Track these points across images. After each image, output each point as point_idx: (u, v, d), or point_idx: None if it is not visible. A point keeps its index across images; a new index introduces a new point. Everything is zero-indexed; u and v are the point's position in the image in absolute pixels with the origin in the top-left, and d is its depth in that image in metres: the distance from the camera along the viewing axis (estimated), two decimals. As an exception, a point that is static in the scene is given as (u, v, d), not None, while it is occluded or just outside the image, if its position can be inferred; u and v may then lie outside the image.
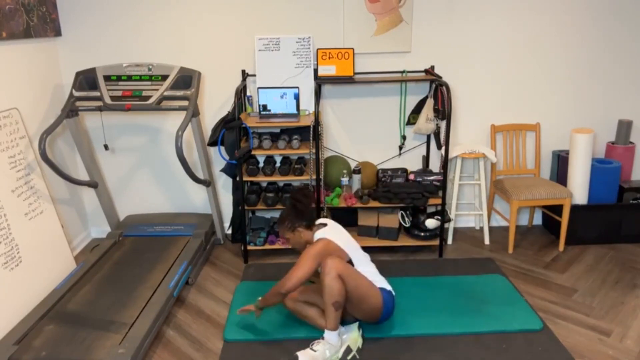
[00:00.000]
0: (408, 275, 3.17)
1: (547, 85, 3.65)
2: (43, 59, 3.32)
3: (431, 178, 3.46)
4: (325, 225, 2.62)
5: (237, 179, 3.40)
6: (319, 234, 2.54)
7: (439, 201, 3.36)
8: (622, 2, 3.48)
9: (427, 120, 3.44)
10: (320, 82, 3.28)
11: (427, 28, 3.49)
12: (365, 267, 2.55)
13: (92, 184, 3.44)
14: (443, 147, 3.40)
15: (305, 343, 2.53)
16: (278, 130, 3.59)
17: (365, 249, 3.58)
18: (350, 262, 2.51)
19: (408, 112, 3.65)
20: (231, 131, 3.26)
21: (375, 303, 2.45)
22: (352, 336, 2.49)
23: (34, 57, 3.22)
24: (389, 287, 2.56)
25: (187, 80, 3.15)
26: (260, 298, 2.57)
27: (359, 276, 2.42)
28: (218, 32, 3.47)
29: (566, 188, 3.46)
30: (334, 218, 3.71)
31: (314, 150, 3.20)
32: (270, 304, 2.53)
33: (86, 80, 3.20)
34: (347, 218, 3.69)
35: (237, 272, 3.34)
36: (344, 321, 2.60)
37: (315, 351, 2.37)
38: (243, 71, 3.52)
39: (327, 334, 2.39)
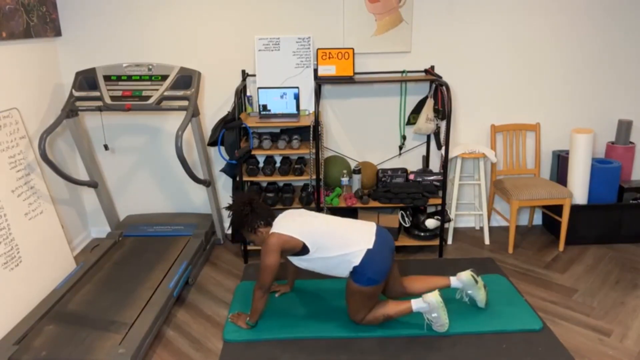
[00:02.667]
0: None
1: (547, 85, 3.65)
2: (43, 59, 3.32)
3: (431, 178, 3.46)
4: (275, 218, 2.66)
5: (237, 179, 3.40)
6: (272, 229, 2.57)
7: (439, 201, 3.36)
8: (622, 3, 3.48)
9: (427, 120, 3.44)
10: (320, 82, 3.28)
11: (427, 28, 3.49)
12: (334, 234, 2.53)
13: (92, 184, 3.44)
14: (443, 147, 3.40)
15: (306, 343, 2.54)
16: (278, 130, 3.59)
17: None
18: (305, 246, 2.51)
19: (408, 112, 3.65)
20: (231, 131, 3.26)
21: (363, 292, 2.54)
22: (432, 297, 2.59)
23: (34, 57, 3.22)
24: (369, 244, 2.51)
25: (187, 80, 3.15)
26: (248, 317, 2.64)
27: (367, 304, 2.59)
28: (218, 32, 3.47)
29: (566, 188, 3.46)
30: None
31: (314, 150, 3.20)
32: (260, 310, 2.62)
33: (86, 80, 3.20)
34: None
35: (237, 272, 3.34)
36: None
37: (432, 322, 2.61)
38: (243, 71, 3.52)
39: (414, 308, 2.61)
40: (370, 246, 2.50)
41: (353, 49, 3.40)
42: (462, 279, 2.74)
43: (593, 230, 3.56)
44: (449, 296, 2.90)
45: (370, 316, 2.62)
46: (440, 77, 3.29)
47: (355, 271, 2.50)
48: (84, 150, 3.35)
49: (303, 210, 2.69)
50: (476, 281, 2.73)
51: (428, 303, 2.56)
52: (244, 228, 2.60)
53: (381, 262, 2.49)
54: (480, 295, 2.75)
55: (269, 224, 2.61)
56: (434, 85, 3.45)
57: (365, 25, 3.44)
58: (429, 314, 2.60)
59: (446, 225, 3.77)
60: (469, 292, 2.75)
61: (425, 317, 2.65)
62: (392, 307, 2.62)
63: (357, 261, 2.48)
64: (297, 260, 2.61)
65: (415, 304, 2.60)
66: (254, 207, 2.58)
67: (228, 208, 2.64)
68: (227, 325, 2.69)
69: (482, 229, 3.93)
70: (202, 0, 3.41)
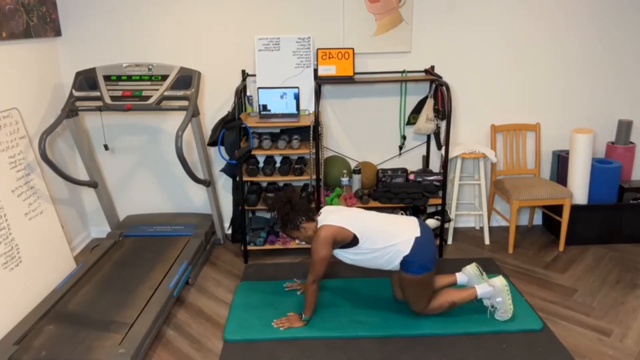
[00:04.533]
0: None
1: (547, 86, 3.65)
2: (43, 59, 3.32)
3: (431, 178, 3.46)
4: (320, 213, 2.67)
5: (237, 179, 3.40)
6: (319, 222, 2.60)
7: (439, 201, 3.36)
8: (621, 3, 3.48)
9: (427, 120, 3.44)
10: (320, 82, 3.28)
11: (427, 28, 3.49)
12: (379, 227, 2.56)
13: (92, 184, 3.44)
14: (443, 147, 3.40)
15: (306, 343, 2.54)
16: (278, 130, 3.59)
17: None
18: (355, 237, 2.53)
19: (408, 112, 3.65)
20: (231, 131, 3.26)
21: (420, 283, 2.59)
22: (496, 280, 2.66)
23: (34, 57, 3.22)
24: (416, 232, 2.55)
25: (187, 80, 3.14)
26: (302, 313, 2.66)
27: (425, 291, 2.62)
28: (218, 32, 3.47)
29: (566, 188, 3.46)
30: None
31: (314, 150, 3.20)
32: (313, 304, 2.65)
33: (86, 80, 3.20)
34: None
35: (237, 272, 3.34)
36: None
37: (497, 308, 2.65)
38: (243, 71, 3.52)
39: (479, 293, 2.66)
40: (418, 234, 2.55)
41: (353, 49, 3.40)
42: (467, 272, 2.77)
43: (593, 230, 3.56)
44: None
45: (435, 304, 2.65)
46: (440, 77, 3.29)
47: (405, 261, 2.52)
48: (84, 150, 3.35)
49: (341, 207, 2.71)
50: (481, 273, 2.77)
51: (493, 286, 2.62)
52: (287, 227, 2.62)
53: (430, 249, 2.54)
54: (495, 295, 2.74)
55: (311, 218, 2.63)
56: (434, 85, 3.45)
57: (365, 25, 3.44)
58: (493, 299, 2.64)
59: (446, 225, 3.77)
60: (498, 299, 2.66)
61: (488, 304, 2.69)
62: (457, 294, 2.65)
63: (406, 250, 2.51)
64: (343, 254, 2.61)
65: (480, 289, 2.65)
66: (294, 204, 2.60)
67: (268, 210, 2.65)
68: (227, 325, 2.69)
69: (482, 229, 3.93)
70: (203, 0, 3.41)
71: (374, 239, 2.53)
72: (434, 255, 2.56)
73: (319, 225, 2.58)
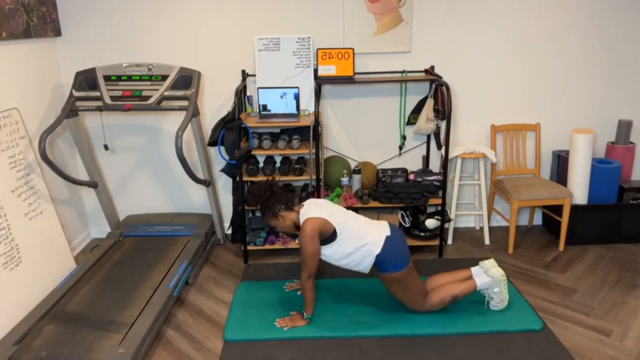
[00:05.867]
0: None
1: (547, 85, 3.65)
2: (43, 59, 3.32)
3: (431, 178, 3.46)
4: (303, 205, 2.68)
5: (237, 179, 3.40)
6: (302, 215, 2.60)
7: (439, 201, 3.36)
8: (621, 3, 3.48)
9: (427, 120, 3.44)
10: (320, 82, 3.28)
11: (427, 28, 3.49)
12: (354, 225, 2.59)
13: (92, 184, 3.44)
14: (443, 147, 3.40)
15: (306, 343, 2.53)
16: (278, 130, 3.59)
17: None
18: (334, 232, 2.55)
19: (408, 112, 3.65)
20: (231, 131, 3.26)
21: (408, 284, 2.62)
22: (494, 270, 2.70)
23: (34, 57, 3.22)
24: (386, 232, 2.59)
25: (187, 80, 3.14)
26: (304, 311, 2.67)
27: (412, 284, 2.64)
28: (218, 32, 3.47)
29: (566, 188, 3.46)
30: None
31: (314, 150, 3.20)
32: (313, 300, 2.65)
33: (86, 80, 3.20)
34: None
35: (237, 272, 3.34)
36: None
37: (493, 297, 2.71)
38: (243, 71, 3.52)
39: (479, 284, 2.69)
40: (389, 233, 2.58)
41: (353, 49, 3.40)
42: (484, 264, 2.78)
43: (593, 230, 3.56)
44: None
45: (436, 300, 2.66)
46: (440, 77, 3.29)
47: (379, 261, 2.55)
48: (84, 150, 3.35)
49: (323, 200, 2.73)
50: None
51: (492, 277, 2.66)
52: (265, 213, 2.63)
53: (401, 247, 2.57)
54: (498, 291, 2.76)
55: (290, 208, 2.64)
56: (434, 85, 3.45)
57: (365, 25, 3.44)
58: (491, 289, 2.69)
59: (446, 225, 3.77)
60: (495, 290, 2.72)
61: (485, 294, 2.73)
62: (457, 287, 2.67)
63: (377, 249, 2.53)
64: (322, 249, 2.63)
65: (480, 280, 2.68)
66: (274, 191, 2.61)
67: (248, 194, 2.65)
68: (227, 325, 2.69)
69: (482, 229, 3.93)
70: (203, 0, 3.41)
71: (350, 236, 2.56)
72: (406, 253, 2.58)
73: (302, 218, 2.57)
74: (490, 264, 2.79)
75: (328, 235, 2.55)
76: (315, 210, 2.57)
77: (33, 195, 2.97)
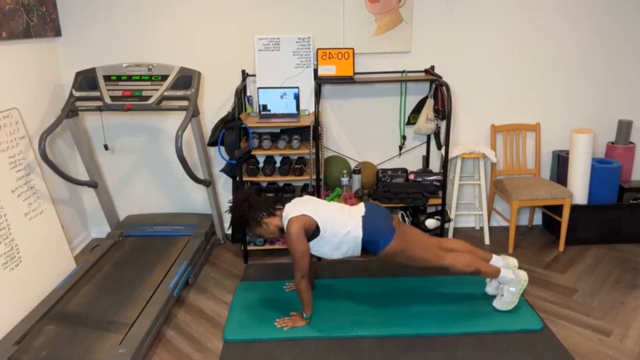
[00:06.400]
0: (408, 276, 3.16)
1: (547, 85, 3.65)
2: (43, 59, 3.32)
3: (431, 178, 3.46)
4: (283, 207, 2.69)
5: (237, 179, 3.40)
6: (285, 217, 2.60)
7: (439, 201, 3.36)
8: (622, 3, 3.48)
9: (427, 120, 3.44)
10: (320, 82, 3.28)
11: (427, 28, 3.49)
12: (334, 216, 2.58)
13: (92, 184, 3.44)
14: (443, 147, 3.40)
15: (306, 343, 2.53)
16: (278, 130, 3.59)
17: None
18: (317, 227, 2.55)
19: (408, 112, 3.65)
20: (231, 131, 3.26)
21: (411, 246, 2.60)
22: (520, 272, 2.72)
23: (34, 57, 3.22)
24: (361, 213, 2.60)
25: (187, 80, 3.15)
26: (303, 311, 2.66)
27: (414, 241, 2.60)
28: (218, 32, 3.47)
29: (566, 188, 3.46)
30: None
31: (314, 150, 3.20)
32: (310, 301, 2.64)
33: (86, 80, 3.20)
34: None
35: (237, 272, 3.34)
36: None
37: (503, 295, 2.70)
38: (243, 71, 3.52)
39: (502, 275, 2.69)
40: (363, 213, 2.59)
41: (353, 49, 3.40)
42: (506, 259, 2.80)
43: (593, 230, 3.56)
44: (447, 294, 2.90)
45: (463, 261, 2.62)
46: (440, 77, 3.29)
47: (366, 244, 2.56)
48: (84, 150, 3.35)
49: (306, 197, 2.73)
50: (515, 267, 2.82)
51: (516, 275, 2.67)
52: (248, 224, 2.63)
53: (380, 221, 2.57)
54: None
55: (272, 213, 2.64)
56: (434, 85, 3.45)
57: (365, 25, 3.44)
58: (507, 286, 2.69)
59: (446, 225, 3.77)
60: (511, 289, 2.72)
61: (497, 289, 2.75)
62: (484, 265, 2.67)
63: (359, 233, 2.54)
64: (310, 245, 2.63)
65: (504, 272, 2.68)
66: (251, 201, 2.61)
67: (229, 211, 2.66)
68: (227, 325, 2.69)
69: (482, 229, 3.93)
70: (203, 0, 3.41)
71: (332, 228, 2.56)
72: (387, 222, 2.57)
73: (285, 221, 2.57)
74: (512, 262, 2.80)
75: (312, 231, 2.55)
76: (296, 209, 2.57)
77: (33, 196, 2.97)
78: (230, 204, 2.66)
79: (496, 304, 2.73)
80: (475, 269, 2.63)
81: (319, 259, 3.34)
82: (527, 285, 3.06)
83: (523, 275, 2.70)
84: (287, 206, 2.64)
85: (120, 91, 3.11)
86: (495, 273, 2.67)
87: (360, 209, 2.64)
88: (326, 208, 2.62)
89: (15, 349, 2.32)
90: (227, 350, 2.52)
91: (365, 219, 2.57)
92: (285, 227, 2.56)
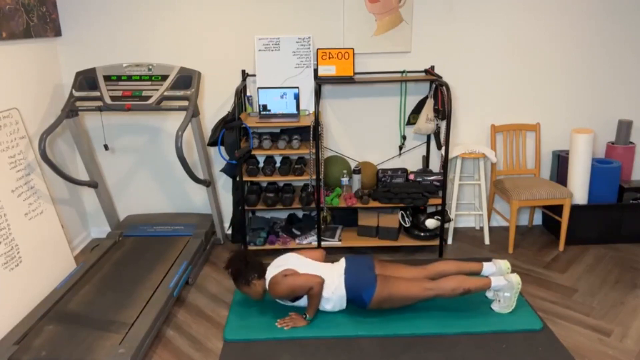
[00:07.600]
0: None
1: (547, 85, 3.65)
2: (43, 59, 3.32)
3: (431, 178, 3.46)
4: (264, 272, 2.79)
5: (237, 179, 3.40)
6: (267, 279, 2.71)
7: (439, 201, 3.36)
8: (622, 3, 3.48)
9: (427, 120, 3.44)
10: (320, 82, 3.28)
11: (427, 28, 3.49)
12: (319, 273, 2.70)
13: (92, 184, 3.44)
14: (443, 147, 3.40)
15: (306, 343, 2.53)
16: (278, 130, 3.59)
17: (365, 249, 3.59)
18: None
19: (408, 112, 3.65)
20: (231, 131, 3.26)
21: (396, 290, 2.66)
22: (512, 276, 2.71)
23: (34, 57, 3.22)
24: (342, 269, 2.71)
25: (187, 80, 3.15)
26: (306, 313, 2.69)
27: (398, 285, 2.66)
28: (218, 32, 3.47)
29: (566, 188, 3.46)
30: (334, 218, 3.72)
31: (314, 150, 3.20)
32: (317, 306, 2.69)
33: (86, 80, 3.20)
34: (347, 218, 3.70)
35: (237, 272, 3.34)
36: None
37: (500, 301, 2.71)
38: (243, 71, 3.52)
39: (493, 284, 2.68)
40: (344, 269, 2.69)
41: (353, 49, 3.40)
42: (498, 264, 2.81)
43: (593, 230, 3.56)
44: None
45: (450, 286, 2.63)
46: (440, 77, 3.29)
47: (352, 299, 2.67)
48: (84, 150, 3.35)
49: (288, 254, 2.85)
50: (508, 269, 2.83)
51: (508, 281, 2.68)
52: (239, 280, 2.74)
53: (361, 273, 2.66)
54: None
55: (261, 277, 2.75)
56: (434, 85, 3.45)
57: (365, 25, 3.44)
58: (502, 292, 2.70)
59: (446, 225, 3.77)
60: (506, 294, 2.72)
61: (494, 294, 2.76)
62: (473, 282, 2.66)
63: (343, 292, 2.65)
64: (297, 303, 2.74)
65: (495, 281, 2.68)
66: (249, 261, 2.74)
67: (226, 267, 2.77)
68: (227, 325, 2.69)
69: (482, 229, 3.93)
70: (203, 0, 3.41)
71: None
72: (368, 273, 2.66)
73: (267, 283, 2.69)
74: (505, 266, 2.80)
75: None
76: (276, 270, 2.69)
77: (33, 196, 2.97)
78: (229, 257, 2.79)
79: (495, 307, 2.74)
80: (464, 290, 2.64)
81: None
82: (527, 285, 3.06)
83: (515, 279, 2.69)
84: (269, 268, 2.76)
85: (120, 91, 3.11)
86: (486, 286, 2.67)
87: (341, 265, 2.74)
88: (307, 268, 2.71)
89: (15, 348, 2.32)
90: (227, 350, 2.52)
91: (347, 274, 2.67)
92: (267, 287, 2.68)
